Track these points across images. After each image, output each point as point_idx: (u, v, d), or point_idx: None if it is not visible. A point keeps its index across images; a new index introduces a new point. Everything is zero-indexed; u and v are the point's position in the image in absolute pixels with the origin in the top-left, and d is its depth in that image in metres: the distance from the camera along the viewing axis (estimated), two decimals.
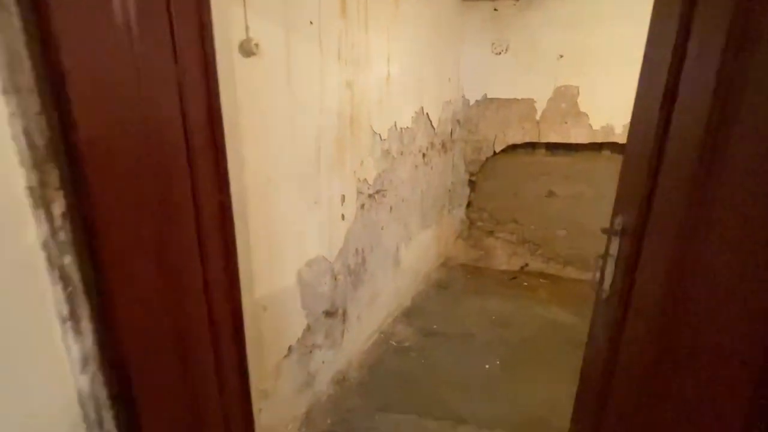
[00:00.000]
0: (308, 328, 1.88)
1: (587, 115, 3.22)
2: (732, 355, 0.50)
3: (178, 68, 0.94)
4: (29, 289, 0.63)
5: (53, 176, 0.67)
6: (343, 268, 2.12)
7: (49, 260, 0.66)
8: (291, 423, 1.83)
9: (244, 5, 1.28)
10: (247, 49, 1.33)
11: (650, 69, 0.81)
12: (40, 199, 0.65)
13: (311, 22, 1.61)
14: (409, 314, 2.98)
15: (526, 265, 3.77)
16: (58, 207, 0.69)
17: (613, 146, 3.30)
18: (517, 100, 3.38)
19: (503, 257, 3.83)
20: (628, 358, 0.76)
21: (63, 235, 0.70)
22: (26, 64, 0.63)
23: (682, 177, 0.62)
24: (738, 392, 0.50)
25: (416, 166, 2.94)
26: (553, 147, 3.48)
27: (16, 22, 0.61)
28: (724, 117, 0.53)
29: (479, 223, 3.83)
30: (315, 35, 1.64)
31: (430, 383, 2.23)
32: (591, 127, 3.23)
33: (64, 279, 0.70)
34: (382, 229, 2.53)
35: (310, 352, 1.93)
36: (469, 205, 3.81)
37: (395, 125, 2.47)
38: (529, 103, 3.35)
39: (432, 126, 3.08)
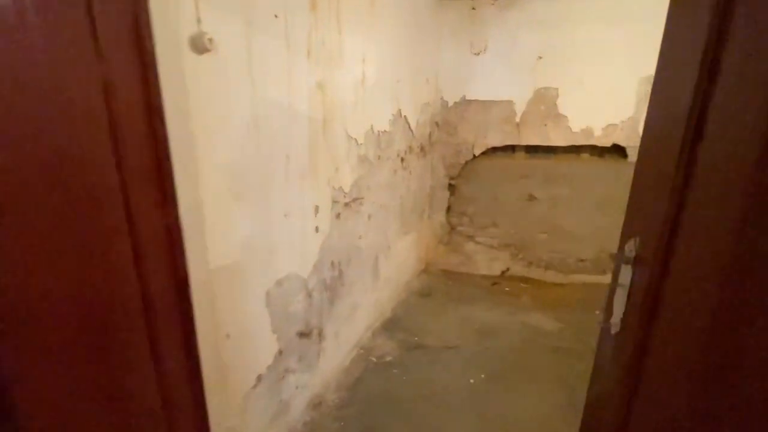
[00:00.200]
0: (280, 353, 1.71)
1: (566, 117, 3.18)
2: None
3: (103, 68, 0.77)
4: None
5: None
6: (319, 284, 1.96)
7: None
8: None
9: None
10: (200, 45, 1.15)
11: (670, 76, 0.70)
12: None
13: (276, 16, 1.44)
14: (390, 326, 2.84)
15: (508, 269, 3.71)
16: None
17: (592, 149, 3.27)
18: (497, 101, 3.30)
19: (484, 262, 3.75)
20: (650, 407, 0.65)
21: None
22: None
23: (727, 196, 0.50)
24: None
25: (395, 171, 2.81)
26: (532, 150, 3.43)
27: None
28: None
29: (460, 228, 3.74)
30: (281, 30, 1.48)
31: (414, 402, 2.10)
32: (570, 129, 3.19)
33: None
34: (360, 238, 2.38)
35: (283, 378, 1.76)
36: (449, 209, 3.72)
37: (372, 129, 2.33)
38: (509, 104, 3.28)
39: (410, 129, 2.96)
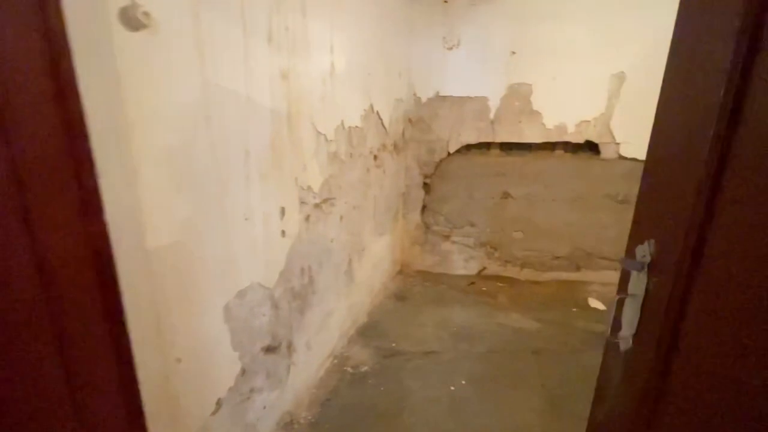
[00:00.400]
0: (243, 372, 1.53)
1: (540, 114, 3.15)
2: None
3: None
4: None
5: None
6: (286, 293, 1.79)
7: None
8: None
9: None
10: (133, 20, 0.97)
11: (693, 48, 0.60)
12: None
13: None
14: (365, 332, 2.70)
15: (484, 268, 3.65)
16: None
17: (565, 145, 3.26)
18: (471, 98, 3.23)
19: (460, 262, 3.68)
20: None
21: None
22: None
23: None
24: None
25: (368, 170, 2.67)
26: (506, 147, 3.38)
27: None
28: None
29: (435, 228, 3.64)
30: (236, 9, 1.31)
31: (392, 415, 1.97)
32: (545, 126, 3.16)
33: None
34: (331, 241, 2.23)
35: (248, 399, 1.59)
36: (424, 209, 3.62)
37: (342, 124, 2.18)
38: (483, 101, 3.22)
39: (383, 125, 2.83)
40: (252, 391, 1.61)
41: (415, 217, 3.65)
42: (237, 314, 1.45)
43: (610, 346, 0.72)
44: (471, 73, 3.17)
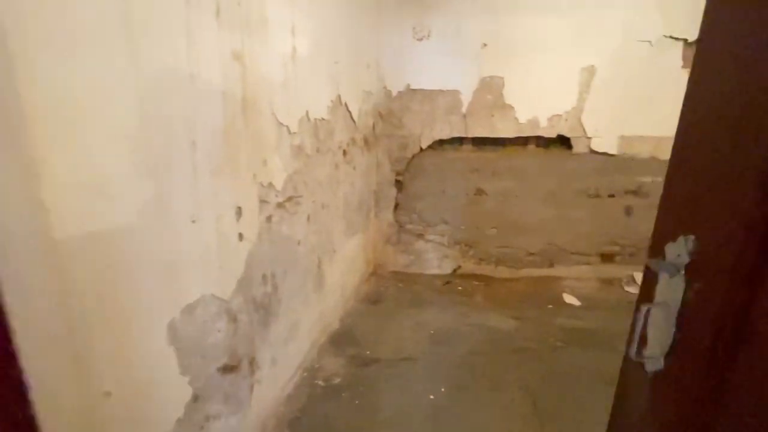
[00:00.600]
0: (195, 399, 1.32)
1: (513, 108, 3.08)
2: None
3: None
4: None
5: None
6: (247, 303, 1.59)
7: None
8: None
9: None
10: None
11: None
12: None
13: None
14: (338, 340, 2.52)
15: (459, 267, 3.56)
16: None
17: (538, 140, 3.22)
18: (442, 91, 3.12)
19: (435, 261, 3.57)
20: None
21: None
22: None
23: None
24: None
25: (336, 166, 2.49)
26: (479, 142, 3.30)
27: None
28: None
29: (408, 226, 3.52)
30: None
31: (367, 431, 1.81)
32: (517, 120, 3.10)
33: None
34: (298, 244, 2.04)
35: (202, 428, 1.38)
36: (396, 207, 3.48)
37: (308, 115, 1.99)
38: (455, 94, 3.12)
39: (352, 119, 2.66)
40: (207, 419, 1.40)
41: (388, 215, 3.51)
42: (185, 332, 1.24)
43: (632, 366, 0.60)
44: (442, 66, 3.06)
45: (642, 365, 0.56)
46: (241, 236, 1.51)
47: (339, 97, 2.39)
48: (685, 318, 0.50)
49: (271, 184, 1.70)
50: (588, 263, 3.41)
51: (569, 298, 3.14)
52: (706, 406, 0.46)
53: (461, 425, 1.85)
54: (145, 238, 1.07)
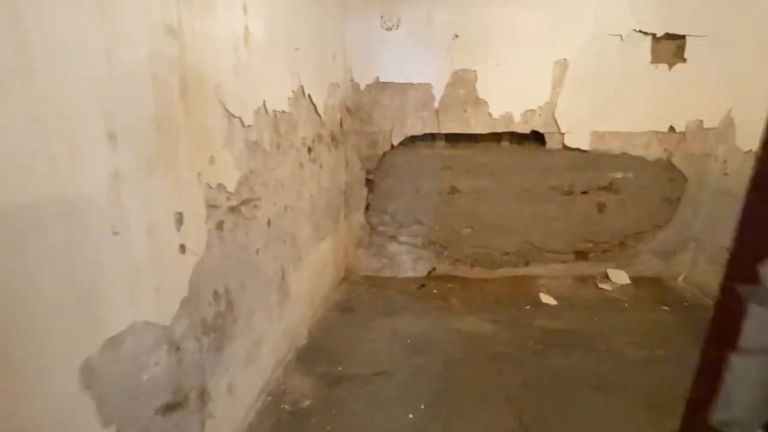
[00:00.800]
0: None
1: (486, 103, 2.97)
2: None
3: None
4: None
5: None
6: (193, 327, 1.34)
7: None
8: None
9: None
10: None
11: None
12: None
13: None
14: (306, 356, 2.29)
15: (434, 269, 3.41)
16: None
17: (511, 136, 3.12)
18: (413, 84, 2.95)
19: (409, 263, 3.41)
20: None
21: None
22: None
23: None
24: None
25: (301, 164, 2.26)
26: (452, 138, 3.17)
27: None
28: None
29: (380, 228, 3.33)
30: None
31: None
32: (491, 115, 2.99)
33: None
34: (257, 253, 1.80)
35: None
36: (367, 207, 3.28)
37: (265, 107, 1.75)
38: (426, 88, 2.96)
39: (317, 113, 2.44)
40: None
41: (359, 216, 3.30)
42: (107, 372, 0.99)
43: (701, 429, 0.44)
44: (413, 58, 2.89)
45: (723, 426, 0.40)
46: (183, 248, 1.26)
47: (302, 88, 2.17)
48: None
49: (221, 186, 1.46)
50: (563, 261, 3.36)
51: (546, 298, 3.07)
52: None
53: None
54: (46, 259, 0.82)
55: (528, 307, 2.96)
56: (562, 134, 3.03)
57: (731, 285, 0.41)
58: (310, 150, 2.37)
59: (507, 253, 3.38)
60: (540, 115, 2.99)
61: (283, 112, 1.96)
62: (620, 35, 2.81)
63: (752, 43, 2.70)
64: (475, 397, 2.01)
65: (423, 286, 3.27)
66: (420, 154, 3.17)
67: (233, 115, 1.51)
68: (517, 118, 2.99)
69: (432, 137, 3.15)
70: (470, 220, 3.30)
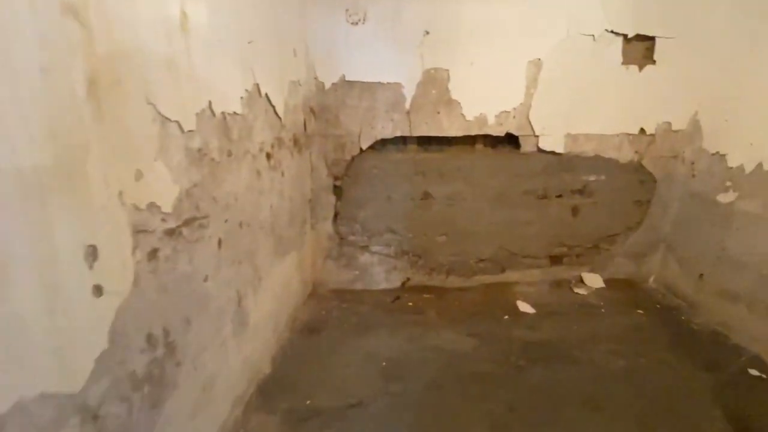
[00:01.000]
0: None
1: (459, 104, 2.81)
2: None
3: None
4: None
5: None
6: (117, 386, 1.06)
7: None
8: None
9: None
10: None
11: None
12: None
13: None
14: (269, 390, 2.03)
15: (408, 279, 3.23)
16: None
17: (485, 139, 3.00)
18: (383, 84, 2.75)
19: (381, 275, 3.20)
20: None
21: None
22: None
23: None
24: None
25: (259, 173, 2.00)
26: (425, 141, 3.00)
27: None
28: None
29: (350, 237, 3.10)
30: None
31: None
32: (464, 117, 2.84)
33: None
34: (205, 280, 1.53)
35: None
36: (336, 216, 3.04)
37: (211, 108, 1.49)
38: (397, 88, 2.77)
39: (277, 114, 2.18)
40: None
41: (327, 226, 3.06)
42: None
43: None
44: (382, 55, 2.69)
45: None
46: (99, 290, 0.99)
47: (257, 86, 1.90)
48: None
49: (153, 205, 1.19)
50: (538, 266, 3.28)
51: (523, 306, 2.97)
52: None
53: None
54: None
55: (506, 317, 2.84)
56: (537, 137, 2.93)
57: None
58: (269, 156, 2.11)
59: (483, 260, 3.25)
60: (515, 117, 2.87)
61: (235, 114, 1.70)
62: (593, 35, 2.74)
63: (719, 45, 2.70)
64: (456, 425, 1.84)
65: (397, 298, 3.08)
66: (391, 158, 2.97)
67: (168, 119, 1.24)
68: (491, 119, 2.86)
69: (403, 140, 2.97)
70: (445, 227, 3.15)
